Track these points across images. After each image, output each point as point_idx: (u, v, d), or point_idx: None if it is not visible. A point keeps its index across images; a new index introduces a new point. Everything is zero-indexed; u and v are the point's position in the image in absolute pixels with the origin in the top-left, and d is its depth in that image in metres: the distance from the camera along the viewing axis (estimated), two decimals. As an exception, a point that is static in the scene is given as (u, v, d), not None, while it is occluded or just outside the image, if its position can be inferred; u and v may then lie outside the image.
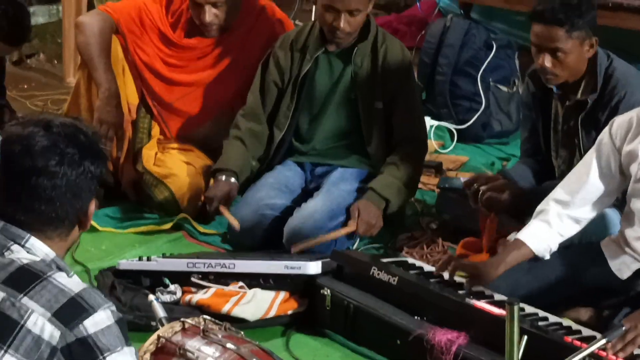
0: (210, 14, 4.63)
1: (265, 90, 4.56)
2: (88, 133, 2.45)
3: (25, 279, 2.30)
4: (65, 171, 2.37)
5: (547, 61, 3.90)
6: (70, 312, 2.27)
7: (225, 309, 3.74)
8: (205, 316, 3.15)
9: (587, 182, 3.71)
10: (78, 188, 2.40)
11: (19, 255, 2.35)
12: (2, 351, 2.24)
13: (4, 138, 2.43)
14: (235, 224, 4.24)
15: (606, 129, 3.71)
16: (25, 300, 2.26)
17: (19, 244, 2.36)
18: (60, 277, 2.33)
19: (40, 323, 2.25)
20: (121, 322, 2.35)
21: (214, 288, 3.84)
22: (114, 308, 2.35)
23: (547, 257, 3.71)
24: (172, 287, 3.87)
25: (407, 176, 4.43)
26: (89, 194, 2.45)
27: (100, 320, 2.29)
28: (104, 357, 2.28)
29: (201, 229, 4.57)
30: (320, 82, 4.53)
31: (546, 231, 3.71)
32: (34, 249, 2.37)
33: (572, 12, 3.88)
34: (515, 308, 2.81)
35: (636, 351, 3.20)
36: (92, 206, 2.48)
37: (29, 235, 2.37)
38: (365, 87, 4.47)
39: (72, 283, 2.33)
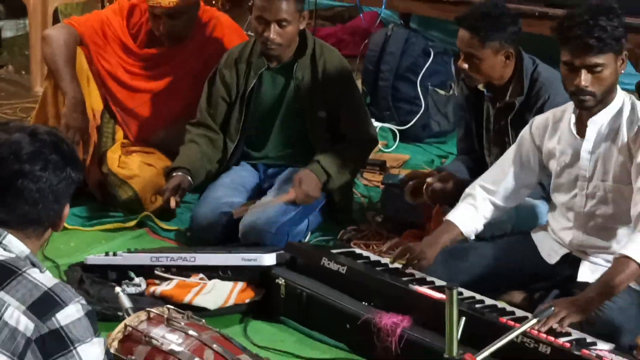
0: (167, 26, 4.64)
1: (213, 105, 4.56)
2: (69, 142, 2.47)
3: (2, 274, 2.29)
4: (49, 176, 2.38)
5: (465, 65, 3.97)
6: (44, 305, 2.27)
7: (187, 299, 3.75)
8: (169, 306, 3.17)
9: (509, 174, 3.80)
10: (59, 192, 2.41)
11: None
12: None
13: None
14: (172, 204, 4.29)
15: (526, 127, 3.80)
16: (2, 294, 2.26)
17: None
18: (34, 273, 2.33)
19: (15, 316, 2.25)
20: (90, 314, 2.35)
21: (176, 280, 3.85)
22: (84, 302, 2.35)
23: (473, 237, 3.79)
24: (136, 279, 3.87)
25: (350, 159, 4.44)
26: (67, 198, 2.47)
27: (71, 313, 2.29)
28: (75, 348, 2.28)
29: (163, 225, 4.57)
30: (265, 96, 4.53)
31: (473, 214, 3.78)
32: (10, 246, 2.37)
33: (490, 24, 3.93)
34: (454, 292, 2.84)
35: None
36: (67, 209, 2.49)
37: (5, 232, 2.38)
38: (308, 99, 4.46)
39: (45, 278, 2.33)
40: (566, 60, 3.46)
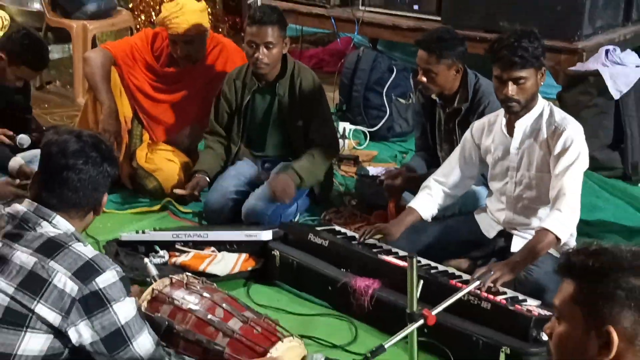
0: (183, 50, 4.63)
1: (219, 117, 4.53)
2: (107, 143, 2.50)
3: (52, 247, 2.31)
4: (89, 169, 2.40)
5: (423, 78, 3.98)
6: (86, 272, 2.29)
7: (201, 267, 3.75)
8: (187, 273, 3.17)
9: (456, 168, 3.82)
10: (97, 183, 2.43)
11: (47, 229, 2.36)
12: (35, 301, 2.25)
13: (44, 142, 2.47)
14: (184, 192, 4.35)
15: (467, 131, 3.83)
16: (52, 263, 2.28)
17: (47, 220, 2.37)
18: (78, 247, 2.34)
19: (63, 280, 2.26)
20: (124, 279, 2.38)
21: (193, 252, 3.86)
22: (118, 269, 2.37)
23: (430, 219, 3.80)
24: (161, 252, 3.88)
25: (318, 166, 4.37)
26: (104, 189, 2.48)
27: (108, 278, 2.31)
28: (111, 305, 2.31)
29: (182, 209, 4.55)
30: (257, 110, 4.48)
31: (429, 201, 3.81)
32: (59, 225, 2.39)
33: (443, 45, 3.95)
34: (414, 260, 2.85)
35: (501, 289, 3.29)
36: (105, 198, 2.51)
37: (55, 214, 2.38)
38: (288, 111, 4.41)
39: (87, 250, 2.35)
40: (496, 75, 3.50)
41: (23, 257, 2.29)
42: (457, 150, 3.84)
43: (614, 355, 1.65)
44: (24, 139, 4.60)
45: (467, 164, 3.80)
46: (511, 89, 3.44)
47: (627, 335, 1.65)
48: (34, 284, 2.26)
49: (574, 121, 3.53)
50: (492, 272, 3.22)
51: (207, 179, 4.44)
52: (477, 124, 3.79)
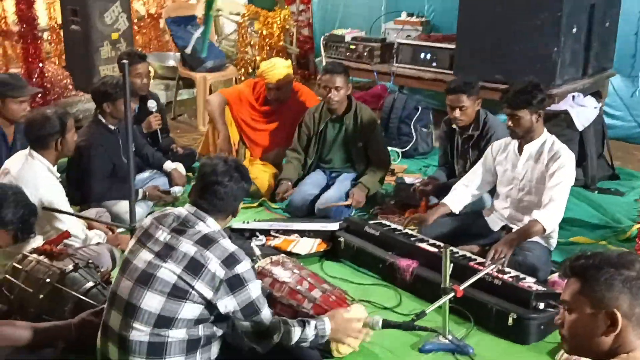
0: (274, 94, 4.51)
1: (301, 139, 4.39)
2: (244, 167, 2.36)
3: (207, 241, 2.19)
4: (232, 185, 2.28)
5: (457, 113, 3.79)
6: (230, 260, 2.17)
7: (289, 248, 3.61)
8: (282, 255, 3.01)
9: (478, 175, 3.64)
10: (237, 195, 2.31)
11: (202, 227, 2.24)
12: (196, 280, 2.14)
13: (201, 163, 2.38)
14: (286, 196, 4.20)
15: (489, 148, 3.64)
16: (207, 253, 2.16)
17: (202, 221, 2.26)
18: (224, 242, 2.22)
19: (215, 266, 2.14)
20: (254, 267, 2.27)
21: (283, 237, 3.71)
22: (250, 260, 2.24)
23: (457, 212, 3.61)
24: (260, 237, 3.72)
25: (377, 177, 4.26)
26: (241, 199, 2.36)
27: (245, 266, 2.19)
28: (247, 284, 2.18)
29: (273, 205, 4.40)
30: (329, 134, 4.33)
31: (457, 198, 3.62)
32: (210, 225, 2.27)
33: (468, 86, 3.79)
34: (448, 250, 2.70)
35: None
36: (240, 206, 2.37)
37: (208, 216, 2.27)
38: (352, 136, 4.27)
39: (230, 245, 2.22)
40: (506, 112, 3.33)
41: (187, 247, 2.19)
42: (480, 163, 3.67)
43: (618, 330, 1.55)
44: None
45: (486, 172, 3.62)
46: (511, 122, 3.31)
47: (626, 315, 1.55)
48: (195, 267, 2.16)
49: (569, 151, 3.34)
50: (500, 252, 3.03)
51: (290, 184, 4.32)
52: (496, 144, 3.62)
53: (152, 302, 2.15)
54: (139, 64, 4.41)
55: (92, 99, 4.06)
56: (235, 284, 2.16)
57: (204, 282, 2.14)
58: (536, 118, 3.30)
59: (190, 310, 2.16)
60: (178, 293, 2.15)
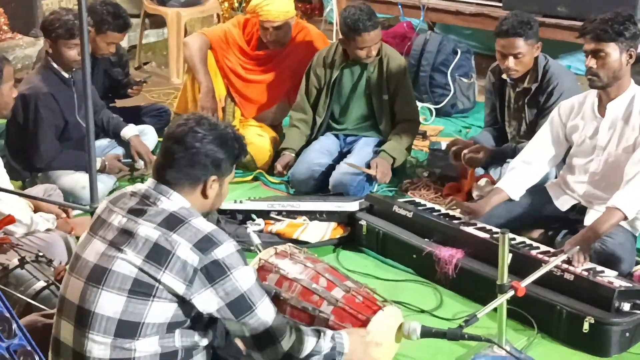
0: (272, 35, 4.45)
1: (309, 92, 4.36)
2: (232, 129, 2.31)
3: (174, 222, 2.15)
4: (206, 147, 2.23)
5: (511, 63, 3.71)
6: (205, 243, 2.12)
7: (295, 235, 3.58)
8: (290, 244, 2.98)
9: (544, 147, 3.56)
10: (214, 160, 2.25)
11: (166, 205, 2.19)
12: (162, 272, 2.10)
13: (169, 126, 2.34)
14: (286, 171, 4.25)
15: (555, 110, 3.55)
16: (175, 236, 2.11)
17: (165, 196, 2.21)
18: (197, 222, 2.17)
19: (185, 251, 2.10)
20: (241, 251, 2.19)
21: (287, 221, 3.67)
22: (235, 242, 2.19)
23: (517, 199, 3.53)
24: (257, 220, 3.68)
25: (405, 143, 4.25)
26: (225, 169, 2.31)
27: (227, 248, 2.14)
28: (231, 272, 2.13)
29: (271, 179, 4.36)
30: (344, 84, 4.31)
31: (517, 181, 3.54)
32: (176, 201, 2.21)
33: (526, 26, 3.68)
34: (506, 236, 2.67)
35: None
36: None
37: (172, 190, 2.22)
38: (376, 86, 4.25)
39: (205, 225, 2.17)
40: (587, 49, 3.23)
41: (148, 230, 2.13)
42: (543, 131, 3.55)
43: None
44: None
45: (554, 142, 3.53)
46: (593, 62, 3.20)
47: None
48: (159, 255, 2.10)
49: None
50: (578, 248, 2.98)
51: (293, 155, 4.30)
52: (564, 105, 3.51)
53: (109, 304, 2.10)
54: (119, 32, 4.32)
55: (43, 34, 4.01)
56: (213, 272, 2.11)
57: (172, 273, 2.09)
58: (627, 59, 3.21)
59: (160, 311, 2.11)
60: (141, 290, 2.10)
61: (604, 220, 3.13)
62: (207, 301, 2.12)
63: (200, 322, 2.20)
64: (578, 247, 2.96)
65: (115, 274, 2.11)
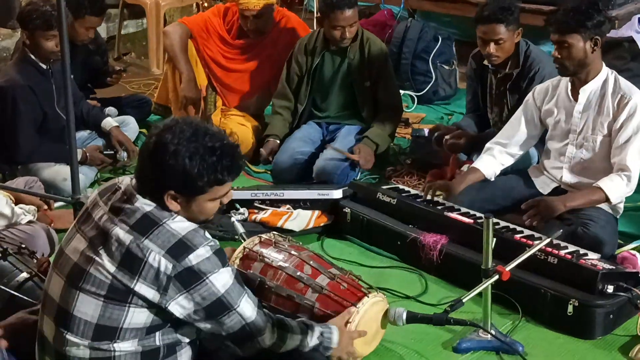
0: (253, 23, 4.44)
1: (290, 79, 4.35)
2: (222, 134, 2.17)
3: (147, 225, 2.08)
4: (184, 148, 2.09)
5: (493, 49, 3.71)
6: (179, 249, 2.06)
7: (279, 223, 3.58)
8: (275, 232, 2.96)
9: (519, 129, 3.59)
10: (196, 167, 2.11)
11: (140, 204, 2.11)
12: (135, 280, 2.05)
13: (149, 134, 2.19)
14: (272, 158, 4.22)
15: (530, 93, 3.59)
16: (147, 242, 2.06)
17: (141, 195, 2.12)
18: (173, 223, 2.09)
19: (157, 259, 2.04)
20: (218, 252, 2.12)
21: (271, 210, 3.66)
22: (212, 243, 2.11)
23: (493, 179, 3.58)
24: (241, 209, 3.65)
25: (389, 130, 4.26)
26: (207, 177, 2.16)
27: (201, 254, 2.07)
28: (207, 277, 2.08)
29: (254, 169, 4.36)
30: (325, 71, 4.30)
31: (492, 162, 3.59)
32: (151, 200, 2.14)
33: (506, 12, 3.69)
34: (490, 221, 2.68)
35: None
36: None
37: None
38: (357, 73, 4.25)
39: (181, 227, 2.09)
40: (553, 39, 3.29)
41: (120, 233, 2.07)
42: (518, 113, 3.59)
43: None
44: (111, 110, 4.42)
45: (529, 125, 3.56)
46: (558, 52, 3.26)
47: None
48: (132, 263, 2.05)
49: (638, 91, 3.28)
50: (562, 231, 3.00)
51: (278, 142, 4.29)
52: (539, 88, 3.54)
53: (86, 308, 2.07)
54: (96, 16, 4.27)
55: (20, 25, 3.96)
56: (188, 279, 2.06)
57: (145, 282, 2.04)
58: (591, 47, 3.24)
59: (138, 317, 2.08)
60: (116, 296, 2.06)
61: (583, 194, 3.23)
62: (184, 306, 2.08)
63: (181, 323, 2.15)
64: (561, 230, 2.97)
65: (92, 277, 2.07)
